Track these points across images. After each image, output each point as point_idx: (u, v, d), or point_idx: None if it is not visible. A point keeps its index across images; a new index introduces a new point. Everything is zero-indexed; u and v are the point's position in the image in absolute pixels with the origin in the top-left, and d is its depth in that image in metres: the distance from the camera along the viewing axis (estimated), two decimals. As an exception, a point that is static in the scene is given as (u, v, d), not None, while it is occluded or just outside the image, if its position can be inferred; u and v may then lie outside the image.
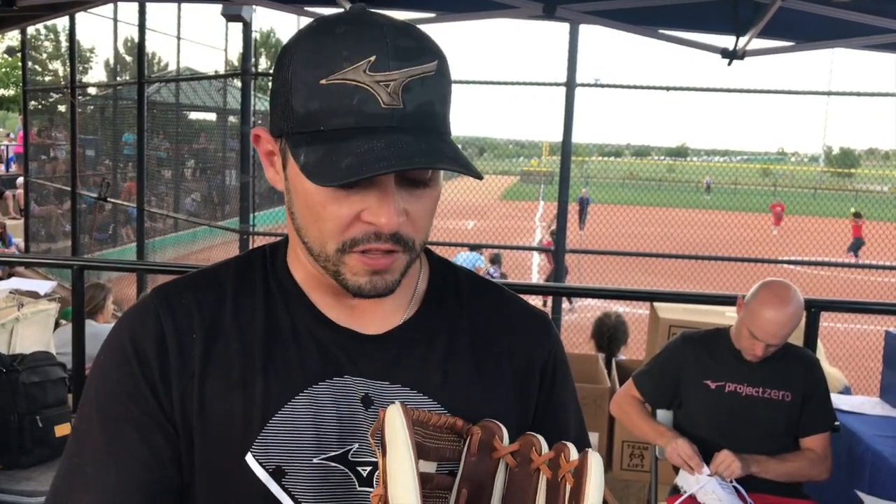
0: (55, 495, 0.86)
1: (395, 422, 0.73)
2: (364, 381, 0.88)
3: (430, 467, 0.79)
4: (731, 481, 2.52)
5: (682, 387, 2.72)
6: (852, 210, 19.80)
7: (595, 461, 0.71)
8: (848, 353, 8.40)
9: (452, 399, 0.90)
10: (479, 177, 0.78)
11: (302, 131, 0.79)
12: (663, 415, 2.79)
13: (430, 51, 0.80)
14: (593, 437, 3.73)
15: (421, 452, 0.77)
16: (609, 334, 4.75)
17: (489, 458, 0.77)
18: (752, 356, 2.59)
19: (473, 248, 11.52)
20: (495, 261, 11.50)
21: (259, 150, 0.89)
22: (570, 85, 6.42)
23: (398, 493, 0.70)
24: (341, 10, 0.83)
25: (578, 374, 3.92)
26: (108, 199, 9.12)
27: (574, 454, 0.73)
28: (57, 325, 4.66)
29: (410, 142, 0.76)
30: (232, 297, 0.90)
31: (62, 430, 3.30)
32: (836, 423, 2.65)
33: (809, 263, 14.62)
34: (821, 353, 4.13)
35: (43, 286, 5.07)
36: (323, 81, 0.77)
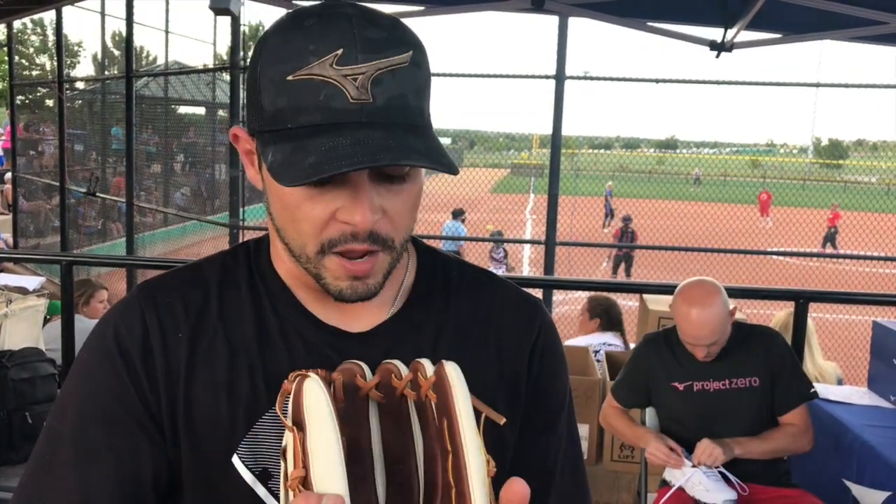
0: (25, 495, 0.84)
1: (316, 393, 0.69)
2: None
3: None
4: (717, 468, 2.54)
5: (652, 390, 2.75)
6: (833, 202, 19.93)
7: (452, 369, 0.70)
8: (837, 343, 8.45)
9: None
10: (452, 172, 0.75)
11: (271, 129, 0.77)
12: (651, 414, 2.81)
13: (402, 41, 0.77)
14: (584, 429, 3.75)
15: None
16: (606, 306, 4.74)
17: (357, 400, 0.75)
18: (699, 357, 2.61)
19: (456, 214, 11.53)
20: (495, 238, 11.53)
21: (239, 150, 0.87)
22: (560, 78, 6.42)
23: (321, 472, 0.65)
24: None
25: (569, 366, 3.93)
26: (97, 194, 9.07)
27: (430, 370, 0.72)
28: (46, 320, 4.64)
29: (378, 137, 0.74)
30: (217, 295, 0.89)
31: (52, 426, 3.29)
32: (812, 389, 2.66)
33: (796, 255, 14.70)
34: (815, 346, 4.16)
35: (31, 282, 5.04)
36: (290, 77, 0.75)
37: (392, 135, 0.74)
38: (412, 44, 0.78)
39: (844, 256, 11.96)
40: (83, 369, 0.86)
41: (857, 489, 2.78)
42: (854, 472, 2.82)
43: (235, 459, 0.83)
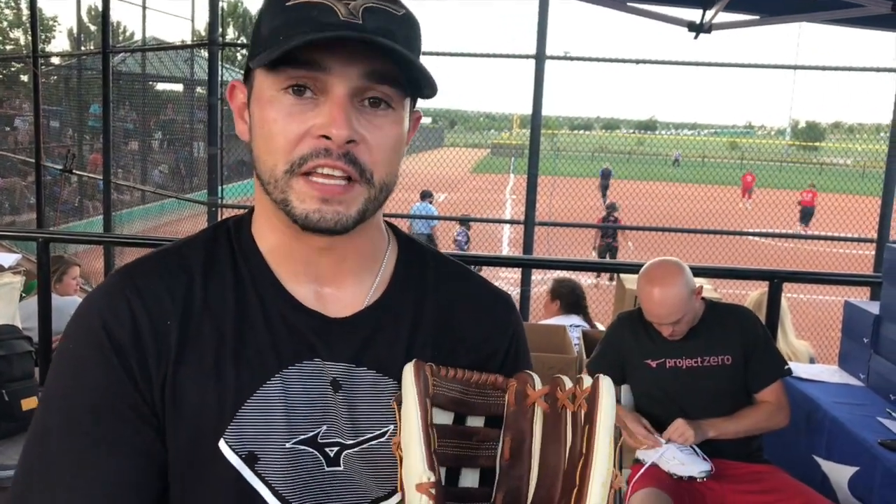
0: (23, 494, 0.81)
1: (407, 378, 0.78)
2: (333, 364, 0.88)
3: (477, 421, 0.83)
4: (690, 445, 2.59)
5: (626, 367, 2.79)
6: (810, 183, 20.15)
7: (606, 384, 0.74)
8: (810, 323, 8.57)
9: None
10: (432, 92, 0.81)
11: (264, 48, 0.80)
12: (626, 391, 2.85)
13: (400, 4, 0.82)
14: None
15: (466, 408, 0.82)
16: (568, 289, 4.79)
17: (525, 405, 0.80)
18: (665, 335, 2.65)
19: (424, 196, 11.52)
20: (463, 223, 11.55)
21: (233, 106, 0.89)
22: (540, 57, 6.41)
23: (406, 439, 0.75)
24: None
25: (546, 344, 3.97)
26: (74, 171, 8.97)
27: (587, 382, 0.76)
28: (21, 298, 4.60)
29: (356, 36, 0.77)
30: (201, 281, 0.88)
31: (29, 403, 3.27)
32: (786, 366, 2.71)
33: (773, 235, 14.85)
34: (788, 326, 4.22)
35: (7, 259, 5.00)
36: (288, 3, 0.79)
37: (372, 39, 0.77)
38: (408, 10, 0.83)
39: (819, 237, 12.08)
40: (73, 362, 0.84)
41: (826, 465, 2.84)
42: (824, 449, 2.88)
43: (222, 444, 0.83)
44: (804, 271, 6.16)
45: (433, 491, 0.72)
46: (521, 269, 6.60)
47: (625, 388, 2.86)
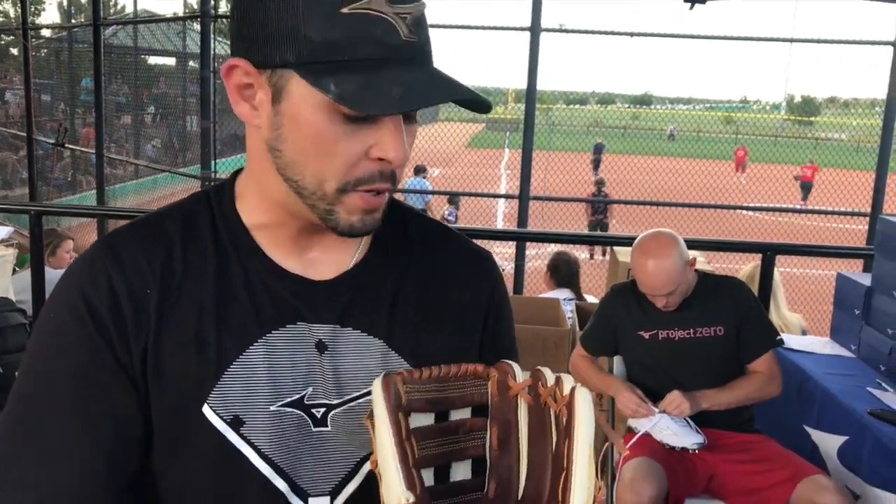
0: (2, 458, 0.82)
1: (376, 395, 0.77)
2: (318, 326, 0.88)
3: (462, 413, 0.82)
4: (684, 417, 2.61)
5: (619, 339, 2.80)
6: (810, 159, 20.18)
7: (582, 398, 0.72)
8: (804, 297, 8.60)
9: (399, 340, 0.91)
10: (488, 109, 0.81)
11: (321, 61, 0.76)
12: (619, 362, 2.88)
13: None
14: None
15: (446, 404, 0.81)
16: (558, 263, 4.82)
17: (508, 396, 0.80)
18: (659, 306, 2.66)
19: (418, 171, 11.50)
20: (452, 201, 11.54)
21: (229, 84, 0.84)
22: (535, 30, 6.38)
23: (381, 460, 0.75)
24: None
25: (540, 317, 3.99)
26: (66, 145, 8.92)
27: (566, 387, 0.74)
28: (13, 272, 4.60)
29: (439, 73, 0.80)
30: (181, 251, 0.88)
31: (24, 375, 3.28)
32: (779, 337, 2.73)
33: (765, 209, 14.86)
34: (780, 298, 4.24)
35: (-1, 232, 4.98)
36: (344, 10, 0.75)
37: (439, 72, 0.80)
38: None
39: (812, 211, 12.11)
40: (52, 328, 0.85)
41: (816, 434, 2.87)
42: (814, 419, 2.90)
43: (206, 409, 0.84)
44: (797, 244, 6.18)
45: None
46: (515, 243, 6.60)
47: (617, 360, 2.89)
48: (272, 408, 0.86)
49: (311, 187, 0.82)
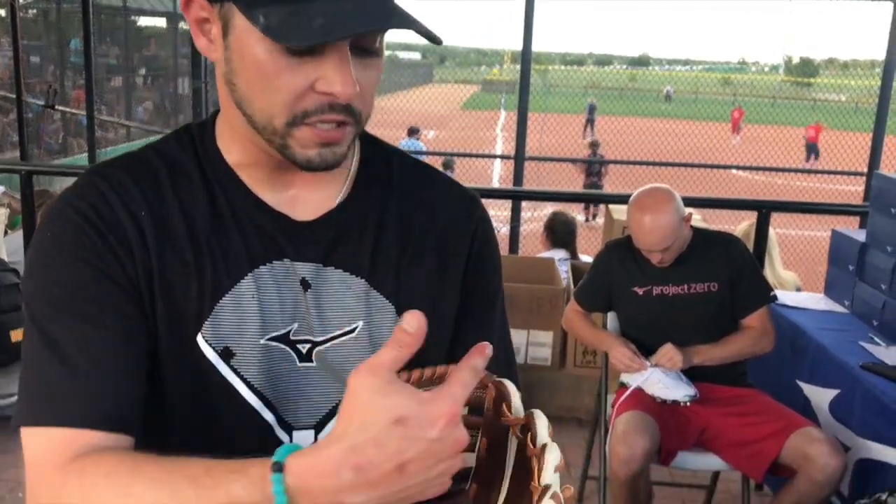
0: (31, 387, 0.81)
1: None
2: (302, 264, 0.89)
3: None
4: (676, 371, 2.62)
5: (613, 295, 2.80)
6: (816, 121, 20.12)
7: (551, 455, 0.69)
8: (800, 257, 8.61)
9: (381, 280, 0.92)
10: (438, 41, 0.78)
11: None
12: (612, 318, 2.88)
13: None
14: (548, 336, 3.82)
15: None
16: (553, 224, 4.83)
17: (501, 419, 0.77)
18: (654, 262, 2.66)
19: (411, 132, 11.46)
20: (447, 165, 11.51)
21: (189, 18, 0.83)
22: (531, -12, 6.28)
23: None
24: None
25: (534, 276, 3.99)
26: (56, 107, 8.84)
27: (539, 439, 0.71)
28: (5, 233, 4.58)
29: (376, 3, 0.76)
30: (169, 182, 0.88)
31: (17, 335, 3.28)
32: (772, 293, 2.74)
33: (758, 169, 14.83)
34: (775, 256, 4.25)
35: (-11, 191, 4.94)
36: None
37: (386, 3, 0.76)
38: None
39: (808, 171, 12.12)
40: (51, 247, 0.83)
41: (808, 389, 2.89)
42: (807, 374, 2.92)
43: (200, 339, 0.85)
44: (792, 201, 6.16)
45: None
46: (511, 205, 6.58)
47: (611, 316, 2.89)
48: (261, 341, 0.87)
49: (262, 122, 0.81)
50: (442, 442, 0.62)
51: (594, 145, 12.99)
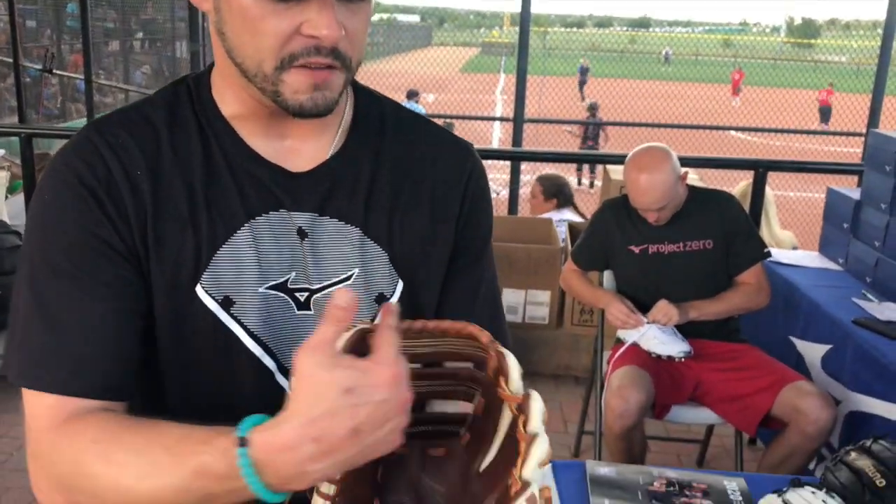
0: (18, 342, 0.85)
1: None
2: (299, 214, 0.91)
3: (464, 364, 0.81)
4: (671, 326, 2.66)
5: (609, 254, 2.83)
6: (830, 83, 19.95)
7: (538, 449, 0.70)
8: (798, 218, 8.63)
9: (375, 228, 0.94)
10: None
11: None
12: (609, 277, 2.91)
13: None
14: (545, 296, 3.86)
15: (441, 357, 0.80)
16: (559, 185, 4.84)
17: (498, 390, 0.78)
18: (651, 220, 2.68)
19: (410, 95, 11.39)
20: (447, 128, 11.46)
21: None
22: (529, -53, 6.21)
23: None
24: None
25: (532, 236, 4.02)
26: (54, 71, 8.79)
27: (531, 427, 0.72)
28: (6, 198, 4.59)
29: None
30: (167, 136, 0.90)
31: (21, 296, 3.31)
32: (766, 249, 2.77)
33: (756, 130, 14.77)
34: (772, 215, 4.27)
35: (-11, 155, 4.95)
36: None
37: None
38: None
39: (806, 132, 12.08)
40: (49, 210, 0.86)
41: (801, 344, 2.93)
42: (800, 330, 2.96)
43: (199, 289, 0.88)
44: (788, 161, 6.16)
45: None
46: (510, 168, 6.59)
47: (607, 274, 2.92)
48: (259, 290, 0.89)
49: (253, 69, 0.83)
50: (388, 402, 0.67)
51: (593, 108, 12.88)
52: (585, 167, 11.65)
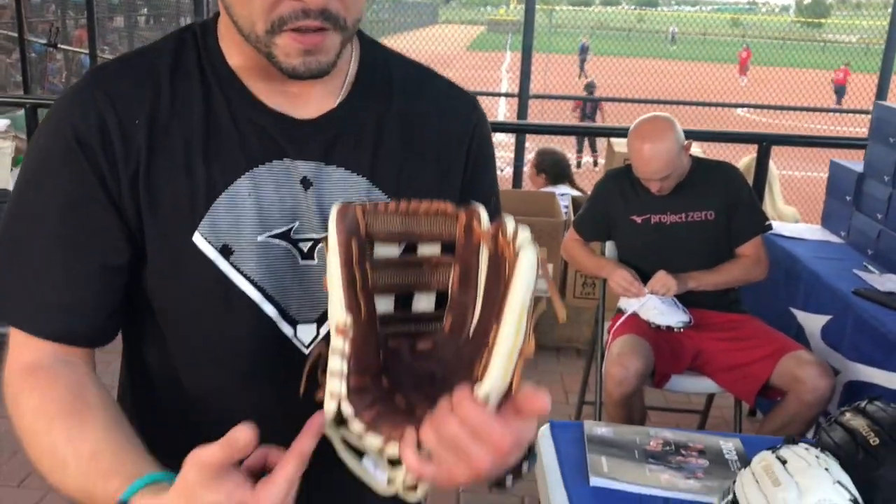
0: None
1: (330, 221, 0.78)
2: (303, 163, 0.90)
3: (431, 248, 0.82)
4: (672, 297, 2.67)
5: (611, 224, 2.84)
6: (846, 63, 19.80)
7: (526, 257, 0.71)
8: (803, 196, 8.61)
9: (382, 178, 0.94)
10: None
11: None
12: (611, 247, 2.92)
13: None
14: (548, 268, 3.87)
15: (412, 237, 0.81)
16: (552, 161, 4.84)
17: (473, 241, 0.80)
18: (653, 190, 2.69)
19: None
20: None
21: None
22: (535, -80, 6.17)
23: (329, 281, 0.77)
24: None
25: (534, 209, 4.03)
26: (59, 46, 8.78)
27: (517, 242, 0.73)
28: (12, 168, 4.61)
29: None
30: (169, 83, 0.89)
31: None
32: (768, 222, 2.78)
33: (761, 107, 14.68)
34: (776, 190, 4.27)
35: (-4, 124, 4.96)
36: None
37: None
38: None
39: (811, 109, 12.00)
40: (42, 164, 0.87)
41: (801, 315, 2.94)
42: (800, 301, 2.97)
43: (197, 237, 0.87)
44: (792, 135, 6.13)
45: (351, 332, 0.75)
46: (514, 143, 6.58)
47: (609, 245, 2.93)
48: (259, 238, 0.89)
49: (245, 29, 0.83)
50: None
51: (590, 87, 12.75)
52: (586, 146, 11.59)
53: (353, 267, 0.77)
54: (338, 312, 0.76)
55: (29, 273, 0.86)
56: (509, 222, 0.76)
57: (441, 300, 0.84)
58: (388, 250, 0.82)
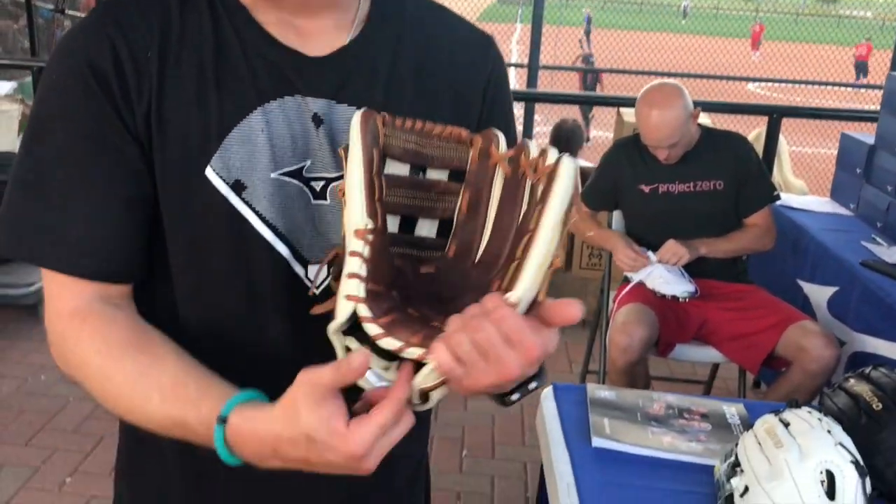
0: (17, 221, 0.86)
1: (354, 126, 0.78)
2: (314, 100, 0.89)
3: (439, 174, 0.82)
4: (679, 267, 2.66)
5: (619, 193, 2.82)
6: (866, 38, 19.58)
7: (566, 166, 0.72)
8: (812, 173, 8.56)
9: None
10: None
11: None
12: (617, 216, 2.91)
13: None
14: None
15: (424, 159, 0.81)
16: (567, 136, 4.85)
17: (488, 165, 0.80)
18: (661, 158, 2.67)
19: None
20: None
21: None
22: None
23: (348, 187, 0.77)
24: None
25: (543, 178, 4.01)
26: (66, 12, 8.74)
27: (550, 158, 0.74)
28: (19, 132, 4.61)
29: None
30: (178, 14, 0.88)
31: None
32: (776, 192, 2.77)
33: (771, 81, 14.55)
34: (785, 161, 4.25)
35: (2, 87, 4.95)
36: None
37: None
38: None
39: (822, 83, 11.84)
40: (58, 91, 0.86)
41: (808, 287, 2.93)
42: (808, 272, 2.96)
43: (209, 171, 0.86)
44: (802, 107, 6.07)
45: (370, 237, 0.74)
46: (524, 112, 6.55)
47: (616, 215, 2.92)
48: (272, 175, 0.88)
49: None
50: (338, 466, 0.71)
51: (587, 60, 12.53)
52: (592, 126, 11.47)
53: (373, 174, 0.76)
54: (357, 216, 0.75)
55: (61, 213, 0.85)
56: (531, 144, 0.77)
57: (442, 230, 0.84)
58: (398, 168, 0.81)
